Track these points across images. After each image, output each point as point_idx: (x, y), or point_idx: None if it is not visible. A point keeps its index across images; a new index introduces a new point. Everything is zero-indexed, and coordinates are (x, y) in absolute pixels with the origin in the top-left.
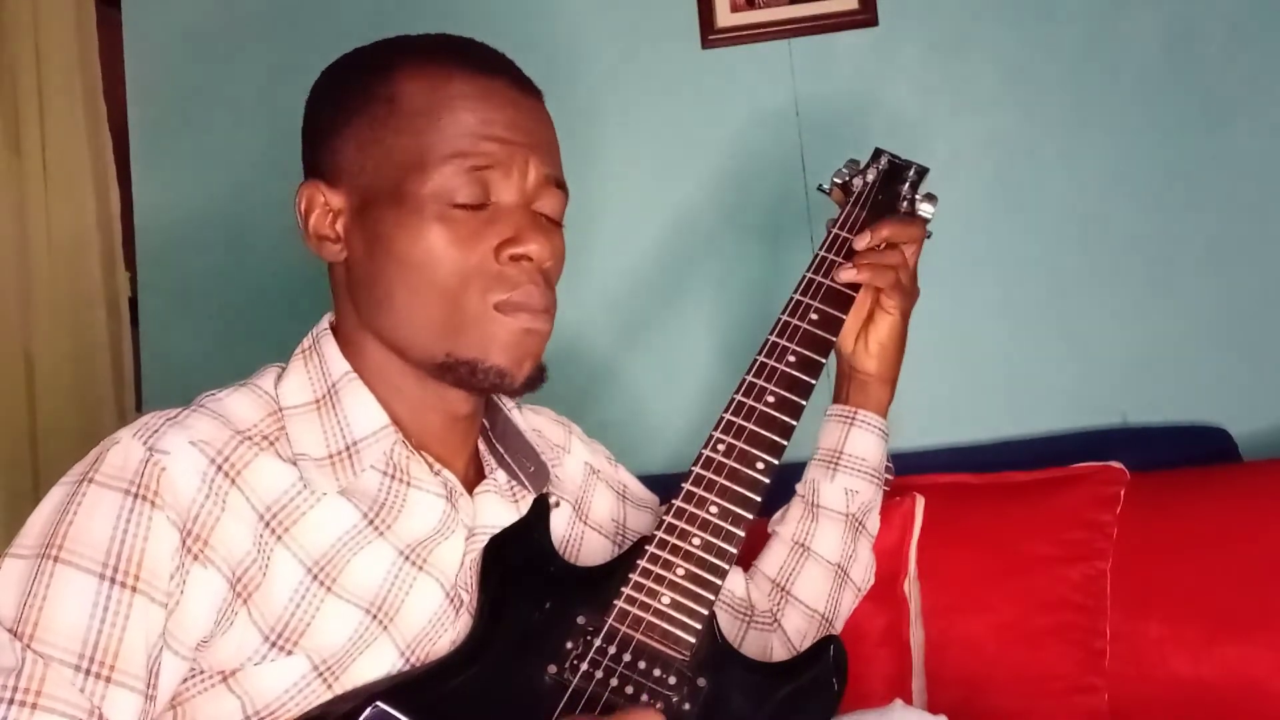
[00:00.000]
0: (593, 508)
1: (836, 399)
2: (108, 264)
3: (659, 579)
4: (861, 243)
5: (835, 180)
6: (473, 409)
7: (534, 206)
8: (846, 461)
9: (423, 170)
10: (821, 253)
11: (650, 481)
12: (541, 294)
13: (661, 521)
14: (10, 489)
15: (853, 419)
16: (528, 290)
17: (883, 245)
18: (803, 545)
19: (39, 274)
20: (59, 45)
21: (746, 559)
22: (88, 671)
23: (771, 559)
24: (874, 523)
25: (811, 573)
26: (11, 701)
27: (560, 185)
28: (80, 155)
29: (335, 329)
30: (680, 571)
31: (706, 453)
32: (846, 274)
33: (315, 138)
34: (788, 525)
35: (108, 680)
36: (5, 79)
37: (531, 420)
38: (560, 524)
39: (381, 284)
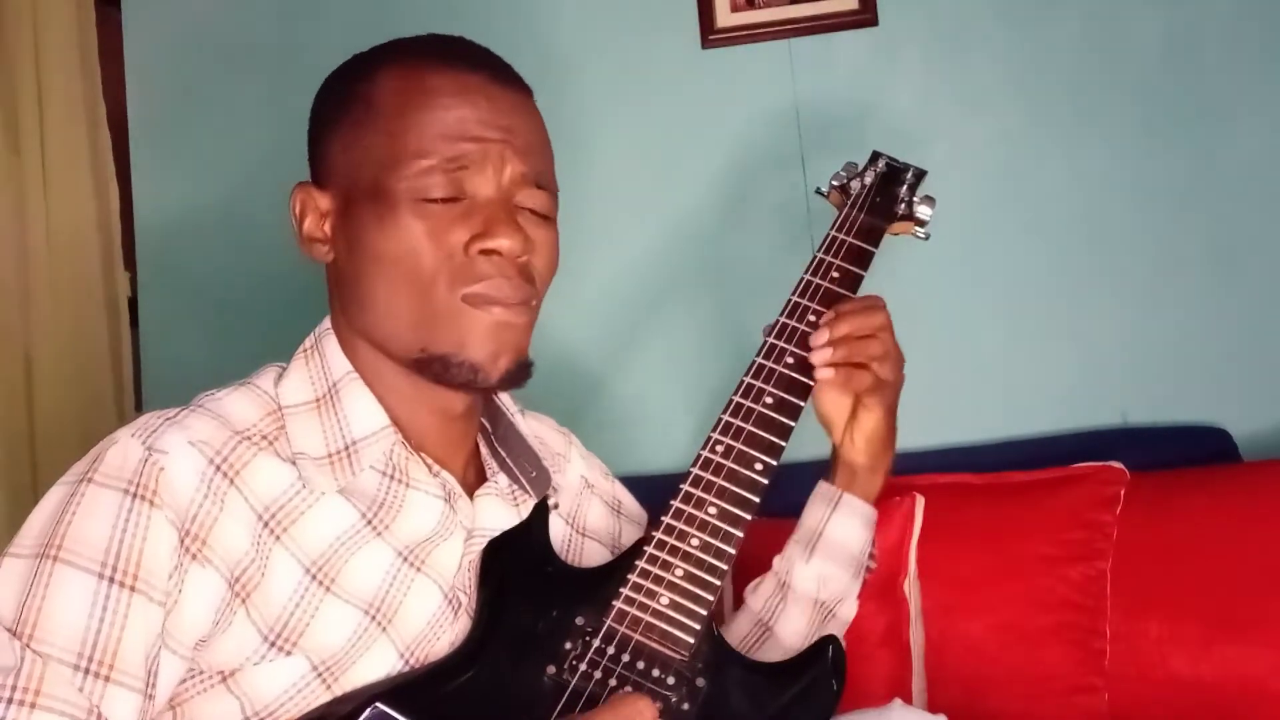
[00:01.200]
0: (587, 521)
1: (826, 477)
2: (108, 264)
3: (657, 579)
4: (820, 339)
5: (833, 183)
6: (467, 409)
7: (515, 200)
8: (824, 546)
9: (397, 167)
10: (820, 255)
11: (649, 482)
12: (514, 287)
13: (660, 522)
14: (10, 488)
15: (837, 503)
16: (497, 283)
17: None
18: (766, 625)
19: (39, 274)
20: (59, 45)
21: (747, 559)
22: (87, 671)
23: (736, 630)
24: (847, 610)
25: (769, 654)
26: (10, 701)
27: (542, 182)
28: (79, 154)
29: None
30: (679, 572)
31: (705, 454)
32: (822, 373)
33: (311, 142)
34: (758, 598)
35: (106, 679)
36: (5, 79)
37: (533, 427)
38: (558, 528)
39: (361, 281)
